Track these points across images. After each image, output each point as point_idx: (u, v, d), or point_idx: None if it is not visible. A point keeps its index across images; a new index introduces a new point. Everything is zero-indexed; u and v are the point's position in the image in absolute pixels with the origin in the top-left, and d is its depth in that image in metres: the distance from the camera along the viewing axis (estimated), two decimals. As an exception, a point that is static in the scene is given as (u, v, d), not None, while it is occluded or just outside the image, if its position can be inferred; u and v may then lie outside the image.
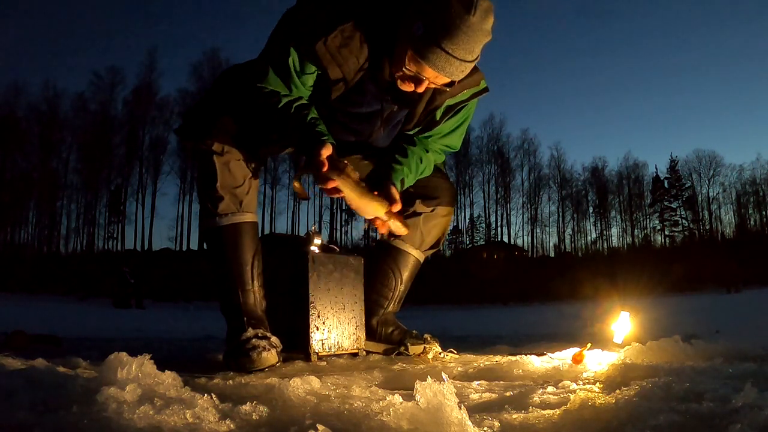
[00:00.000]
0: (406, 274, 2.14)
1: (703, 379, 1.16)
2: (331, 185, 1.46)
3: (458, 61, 1.49)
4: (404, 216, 2.11)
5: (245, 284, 1.75)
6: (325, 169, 1.46)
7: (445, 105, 1.78)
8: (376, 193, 1.58)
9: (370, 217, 1.59)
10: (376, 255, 2.16)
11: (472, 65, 1.55)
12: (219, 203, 1.74)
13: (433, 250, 2.22)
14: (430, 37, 1.47)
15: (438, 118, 1.81)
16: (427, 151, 1.89)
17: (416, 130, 1.87)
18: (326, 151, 1.46)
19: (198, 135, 1.76)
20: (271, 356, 1.62)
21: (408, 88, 1.63)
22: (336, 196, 1.50)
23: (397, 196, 1.66)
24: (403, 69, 1.56)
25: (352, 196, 1.51)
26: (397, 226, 1.63)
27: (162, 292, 25.04)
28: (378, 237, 2.11)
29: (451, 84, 1.60)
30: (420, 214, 2.10)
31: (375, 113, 1.77)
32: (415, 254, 2.14)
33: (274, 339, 1.69)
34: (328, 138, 1.53)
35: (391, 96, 1.73)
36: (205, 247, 1.84)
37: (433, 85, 1.61)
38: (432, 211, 2.10)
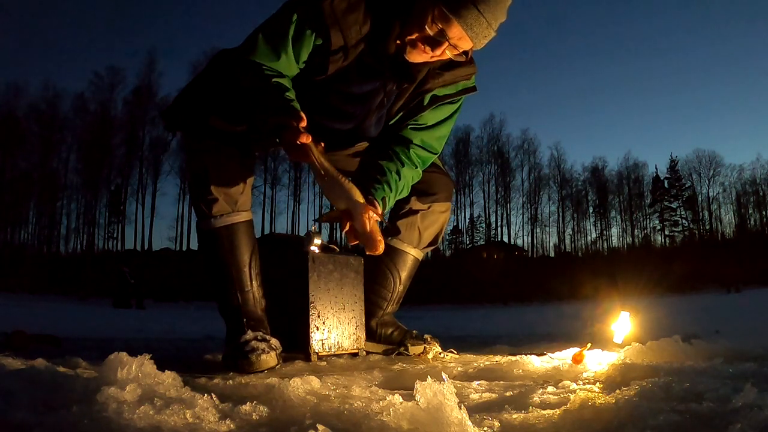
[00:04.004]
0: (404, 274, 2.12)
1: (703, 379, 1.15)
2: (303, 139, 1.37)
3: (485, 23, 1.49)
4: (400, 214, 2.07)
5: (244, 286, 1.73)
6: (301, 134, 1.38)
7: (432, 94, 1.74)
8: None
9: (342, 203, 1.44)
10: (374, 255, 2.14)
11: (492, 36, 1.55)
12: (213, 204, 1.71)
13: (432, 248, 2.19)
14: None
15: (425, 104, 1.75)
16: (403, 165, 1.75)
17: (399, 115, 1.78)
18: (303, 122, 1.40)
19: (189, 132, 1.73)
20: (270, 359, 1.61)
21: (419, 55, 1.58)
22: (305, 161, 1.43)
23: (378, 208, 1.53)
24: (426, 27, 1.51)
25: (324, 164, 1.39)
26: (373, 231, 1.42)
27: (162, 292, 25.02)
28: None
29: (465, 54, 1.58)
30: (417, 212, 2.07)
31: (371, 92, 1.71)
32: (413, 253, 2.12)
33: (273, 341, 1.67)
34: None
35: (391, 71, 1.67)
36: (200, 248, 1.80)
37: (449, 52, 1.55)
38: (428, 208, 2.07)
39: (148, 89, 39.40)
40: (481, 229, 43.36)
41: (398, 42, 1.59)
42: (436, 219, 2.10)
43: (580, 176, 44.82)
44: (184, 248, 37.95)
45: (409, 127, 1.79)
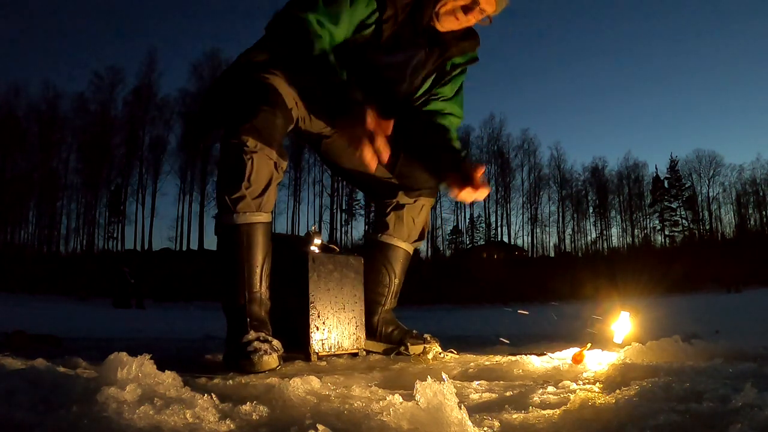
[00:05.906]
0: (398, 269, 2.16)
1: (703, 379, 1.15)
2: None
3: None
4: (387, 211, 2.16)
5: (253, 286, 1.72)
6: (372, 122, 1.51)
7: (452, 61, 1.97)
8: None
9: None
10: (367, 253, 2.16)
11: (507, 4, 1.81)
12: (239, 201, 1.69)
13: (420, 242, 2.24)
14: None
15: (447, 69, 1.98)
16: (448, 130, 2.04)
17: (427, 82, 1.97)
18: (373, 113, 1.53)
19: (230, 127, 1.71)
20: (271, 360, 1.60)
21: (451, 23, 1.80)
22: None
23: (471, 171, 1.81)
24: None
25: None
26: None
27: (162, 292, 25.04)
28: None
29: (487, 19, 1.83)
30: (403, 206, 2.13)
31: (405, 61, 1.87)
32: (404, 247, 2.16)
33: (275, 343, 1.67)
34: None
35: (426, 40, 1.85)
36: (216, 243, 1.79)
37: (478, 16, 1.78)
38: (414, 201, 2.13)
39: (148, 89, 39.50)
40: (481, 229, 43.43)
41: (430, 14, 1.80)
42: (423, 212, 2.18)
43: (580, 176, 44.98)
44: (184, 248, 38.00)
45: (434, 101, 2.03)
